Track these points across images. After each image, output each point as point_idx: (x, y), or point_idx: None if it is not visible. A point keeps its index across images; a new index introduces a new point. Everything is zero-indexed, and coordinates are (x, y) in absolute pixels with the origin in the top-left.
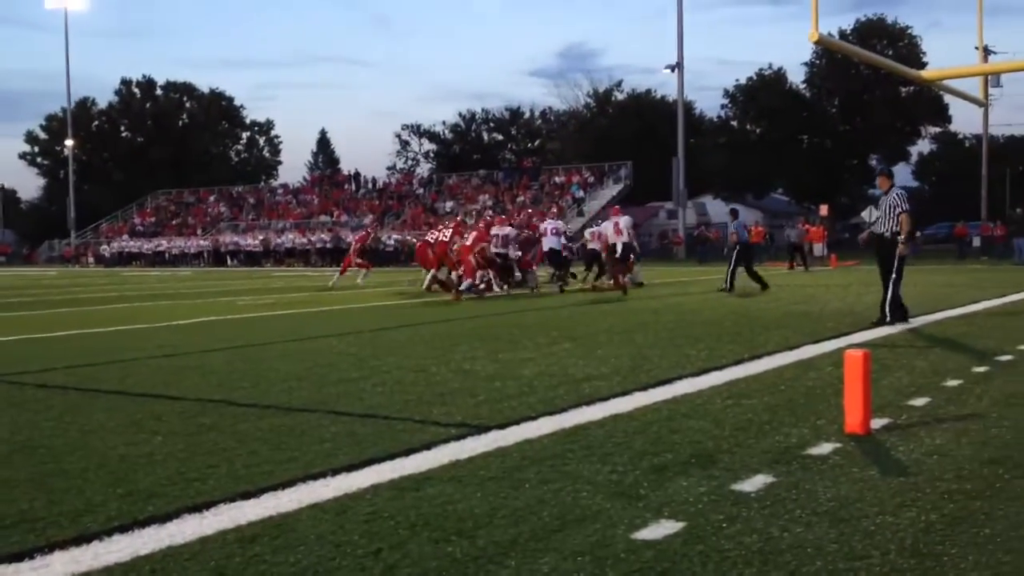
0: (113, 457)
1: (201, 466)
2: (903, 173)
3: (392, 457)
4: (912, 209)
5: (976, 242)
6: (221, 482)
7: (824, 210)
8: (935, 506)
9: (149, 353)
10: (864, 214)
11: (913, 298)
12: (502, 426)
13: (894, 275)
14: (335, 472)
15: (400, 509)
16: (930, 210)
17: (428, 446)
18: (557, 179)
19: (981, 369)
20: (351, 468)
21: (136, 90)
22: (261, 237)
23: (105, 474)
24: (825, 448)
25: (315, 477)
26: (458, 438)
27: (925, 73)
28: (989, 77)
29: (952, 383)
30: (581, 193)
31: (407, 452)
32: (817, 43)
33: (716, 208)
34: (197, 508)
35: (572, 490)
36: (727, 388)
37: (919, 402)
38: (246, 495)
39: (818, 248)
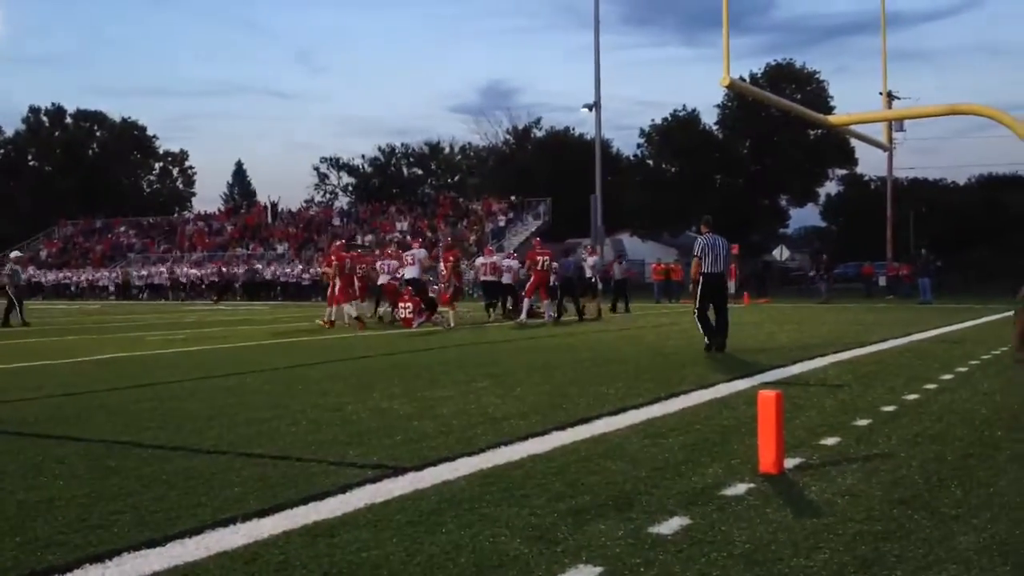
0: (11, 503)
1: (105, 512)
2: (812, 213)
3: (305, 501)
4: (700, 255)
5: (882, 281)
6: (125, 529)
7: (734, 249)
8: (847, 547)
9: (51, 391)
10: (776, 252)
11: (824, 336)
12: (419, 467)
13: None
14: (245, 518)
15: (312, 557)
16: (838, 250)
17: (343, 489)
18: (474, 207)
19: (889, 408)
20: (262, 513)
21: (44, 118)
22: (173, 269)
23: (1, 521)
24: (740, 488)
25: (224, 523)
26: (374, 480)
27: (832, 118)
28: (893, 122)
29: (862, 422)
30: (503, 223)
31: (321, 496)
32: (729, 87)
33: (633, 245)
34: (99, 557)
35: (490, 534)
36: (644, 427)
37: (830, 441)
38: (151, 543)
39: (728, 286)
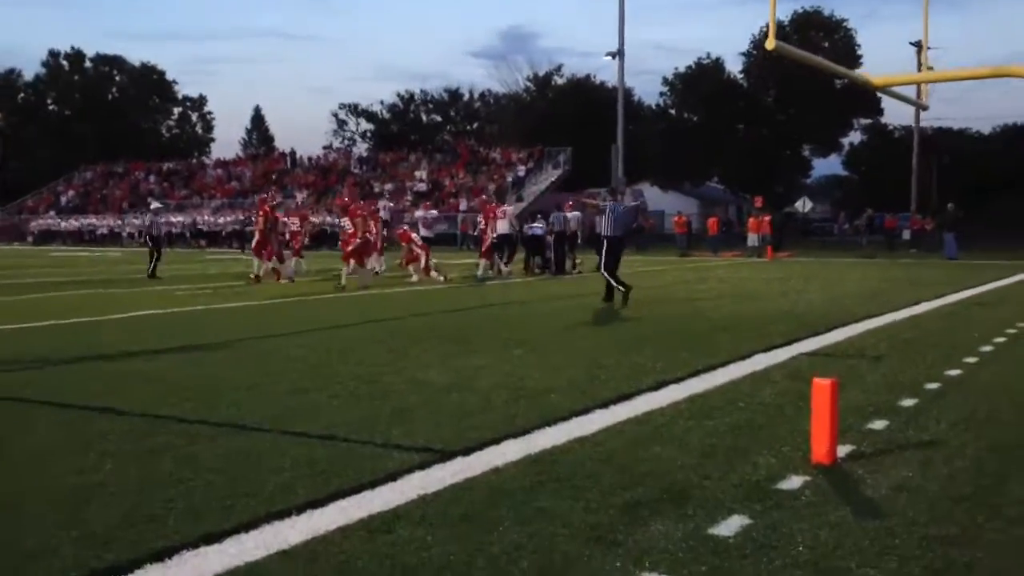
0: (63, 488)
1: (158, 500)
2: (833, 162)
3: (357, 490)
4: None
5: (906, 234)
6: (181, 521)
7: (759, 201)
8: (915, 556)
9: (87, 353)
10: (798, 204)
11: (854, 297)
12: (467, 452)
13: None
14: (299, 510)
15: (374, 556)
16: (860, 200)
17: (393, 476)
18: (493, 155)
19: (933, 386)
20: (315, 504)
21: (64, 62)
22: (194, 217)
23: (56, 510)
24: (795, 482)
25: (279, 516)
26: (423, 466)
27: (875, 79)
28: (924, 69)
29: (908, 403)
30: (523, 172)
31: (371, 484)
32: (774, 51)
33: (653, 195)
34: (159, 556)
35: (549, 533)
36: (687, 405)
37: (879, 425)
38: (208, 539)
39: (752, 239)
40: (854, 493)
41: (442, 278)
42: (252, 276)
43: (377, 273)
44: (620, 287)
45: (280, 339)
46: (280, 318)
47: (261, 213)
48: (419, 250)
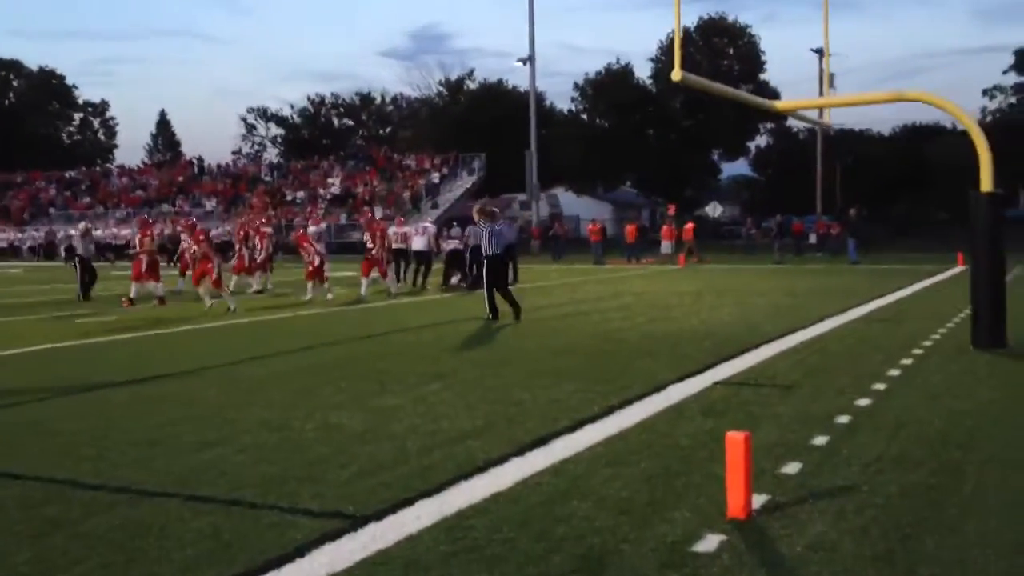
0: None
1: None
2: (742, 164)
3: (263, 570)
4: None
5: (812, 238)
6: None
7: (672, 209)
8: None
9: None
10: (708, 208)
11: (764, 312)
12: (379, 516)
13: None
14: None
15: None
16: (767, 201)
17: (300, 551)
18: (407, 162)
19: (843, 419)
20: None
21: None
22: (95, 227)
23: None
24: (711, 542)
25: None
26: (333, 536)
27: (779, 104)
28: (826, 77)
29: (819, 440)
30: (437, 179)
31: (278, 561)
32: (681, 82)
33: (568, 200)
34: None
35: None
36: (604, 450)
37: (792, 469)
38: None
39: (666, 246)
40: (770, 553)
41: (330, 295)
42: (156, 300)
43: (262, 292)
44: (489, 310)
45: (181, 378)
46: (181, 351)
47: (147, 235)
48: (315, 256)
